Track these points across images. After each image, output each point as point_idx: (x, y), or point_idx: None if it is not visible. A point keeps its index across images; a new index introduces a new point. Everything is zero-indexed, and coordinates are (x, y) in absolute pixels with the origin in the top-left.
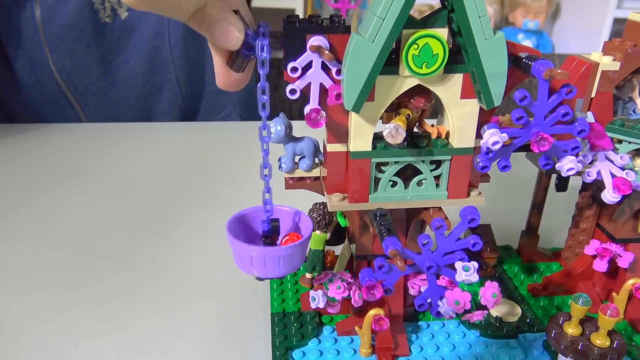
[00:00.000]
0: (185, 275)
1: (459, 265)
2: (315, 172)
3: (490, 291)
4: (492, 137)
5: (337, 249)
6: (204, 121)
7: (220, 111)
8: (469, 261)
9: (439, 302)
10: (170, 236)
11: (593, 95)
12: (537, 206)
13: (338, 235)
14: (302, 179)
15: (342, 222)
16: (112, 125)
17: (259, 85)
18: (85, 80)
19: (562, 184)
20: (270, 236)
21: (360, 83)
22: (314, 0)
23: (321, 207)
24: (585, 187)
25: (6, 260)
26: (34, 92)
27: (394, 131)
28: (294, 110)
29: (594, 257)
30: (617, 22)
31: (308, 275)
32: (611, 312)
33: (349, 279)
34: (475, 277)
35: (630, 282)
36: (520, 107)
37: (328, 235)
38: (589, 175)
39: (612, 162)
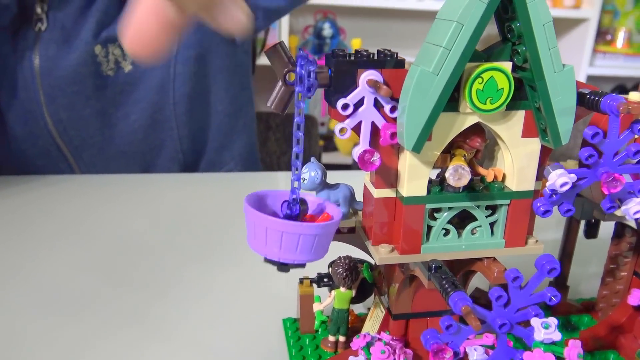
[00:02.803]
0: (189, 336)
1: (536, 322)
2: (351, 222)
3: (575, 351)
4: (561, 178)
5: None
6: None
7: (221, 167)
8: (544, 317)
9: None
10: (170, 292)
11: None
12: (567, 255)
13: (363, 291)
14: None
15: (369, 277)
16: (106, 177)
17: (295, 120)
18: (82, 133)
19: (593, 230)
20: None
21: (422, 120)
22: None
23: (346, 260)
24: (619, 233)
25: None
26: (25, 144)
27: (460, 171)
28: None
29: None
30: (590, 79)
31: (331, 338)
32: None
33: (391, 341)
34: (558, 335)
35: None
36: (590, 144)
37: (353, 292)
38: None
39: None
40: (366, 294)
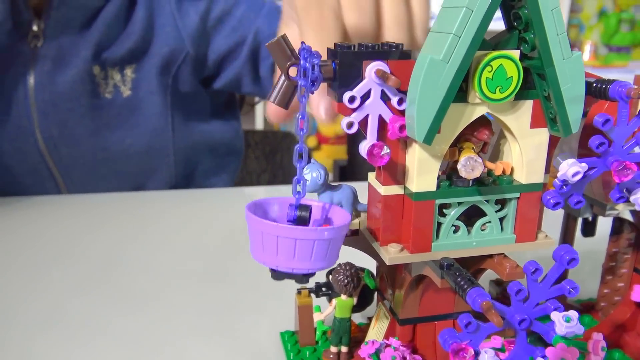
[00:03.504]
0: (185, 354)
1: (556, 316)
2: (354, 225)
3: (599, 344)
4: (572, 168)
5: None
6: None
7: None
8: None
9: None
10: (164, 310)
11: None
12: None
13: (363, 300)
14: None
15: (371, 283)
16: (93, 196)
17: (297, 115)
18: (73, 152)
19: (590, 228)
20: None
21: (433, 109)
22: None
23: (347, 267)
24: (617, 230)
25: None
26: (12, 160)
27: (472, 162)
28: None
29: None
30: None
31: (334, 349)
32: None
33: (400, 347)
34: (580, 329)
35: None
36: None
37: (355, 300)
38: None
39: None
40: (366, 302)
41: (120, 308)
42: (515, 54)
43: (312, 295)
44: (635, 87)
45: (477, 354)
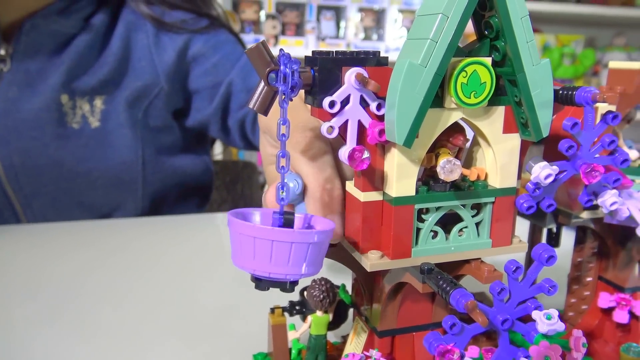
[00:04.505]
0: None
1: (537, 314)
2: None
3: (580, 340)
4: (545, 170)
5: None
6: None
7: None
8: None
9: None
10: (133, 338)
11: None
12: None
13: (338, 316)
14: None
15: (347, 298)
16: (55, 225)
17: (279, 121)
18: (34, 182)
19: (555, 239)
20: None
21: (413, 112)
22: None
23: (322, 282)
24: (581, 239)
25: None
26: None
27: (451, 165)
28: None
29: (609, 310)
30: None
31: None
32: None
33: (381, 358)
34: (561, 326)
35: None
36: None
37: (330, 316)
38: (622, 213)
39: (635, 199)
40: (341, 319)
41: (84, 339)
42: (488, 60)
43: (286, 314)
44: (600, 92)
45: (462, 356)
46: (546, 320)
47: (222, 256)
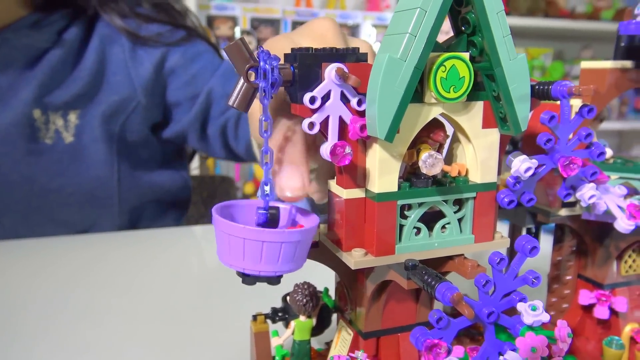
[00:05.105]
0: None
1: (522, 306)
2: (315, 236)
3: (565, 330)
4: (524, 164)
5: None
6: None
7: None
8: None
9: None
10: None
11: None
12: None
13: (321, 321)
14: None
15: (330, 302)
16: (27, 242)
17: (260, 117)
18: (5, 198)
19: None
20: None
21: (394, 107)
22: None
23: (305, 286)
24: (559, 238)
25: None
26: None
27: (432, 159)
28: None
29: (590, 307)
30: None
31: None
32: None
33: (367, 359)
34: (546, 317)
35: (628, 328)
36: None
37: (314, 320)
38: (600, 207)
39: (612, 193)
40: (325, 324)
41: (63, 357)
42: (466, 55)
43: (268, 321)
44: (575, 85)
45: (449, 350)
46: (531, 312)
47: (202, 268)
